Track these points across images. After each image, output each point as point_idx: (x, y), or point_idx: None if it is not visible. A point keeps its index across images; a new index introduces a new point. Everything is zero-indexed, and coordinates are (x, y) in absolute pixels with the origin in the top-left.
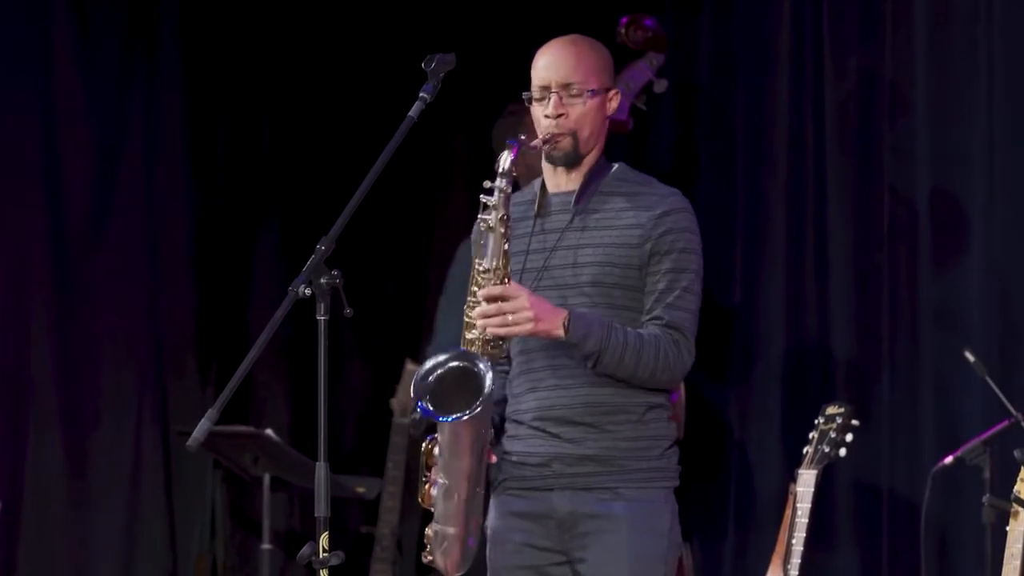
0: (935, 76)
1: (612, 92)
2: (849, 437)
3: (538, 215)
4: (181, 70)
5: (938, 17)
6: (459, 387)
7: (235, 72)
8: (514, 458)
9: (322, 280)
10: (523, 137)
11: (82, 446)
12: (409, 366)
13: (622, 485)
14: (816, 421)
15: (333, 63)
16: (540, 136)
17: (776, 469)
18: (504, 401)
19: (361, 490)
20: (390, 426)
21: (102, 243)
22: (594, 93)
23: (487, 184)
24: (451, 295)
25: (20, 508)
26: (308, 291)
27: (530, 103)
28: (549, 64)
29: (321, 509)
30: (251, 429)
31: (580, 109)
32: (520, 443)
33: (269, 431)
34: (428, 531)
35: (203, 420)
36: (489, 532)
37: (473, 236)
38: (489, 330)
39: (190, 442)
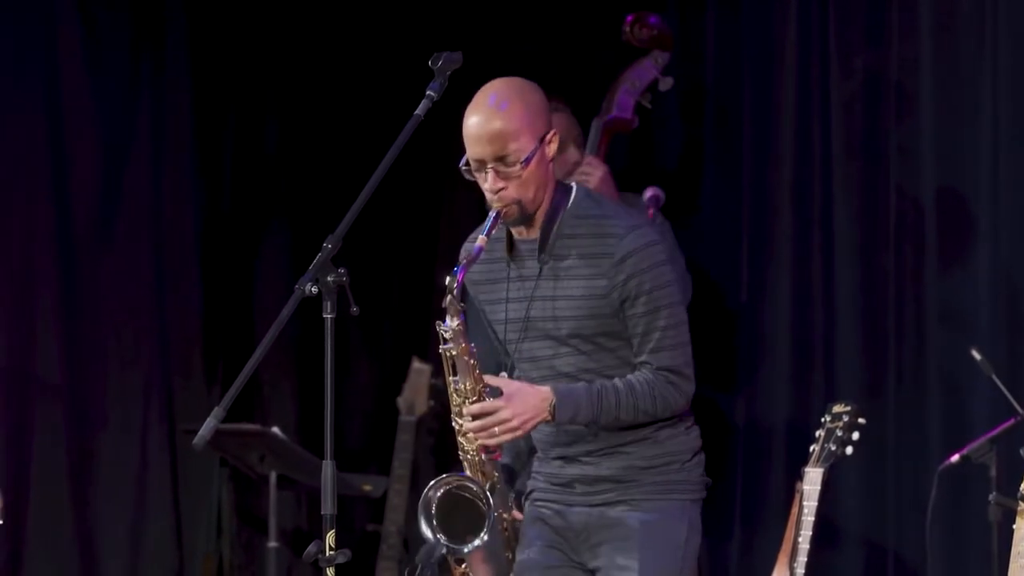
0: (941, 76)
1: (549, 135)
2: (855, 435)
3: (511, 259)
4: (188, 70)
5: (943, 17)
6: (463, 508)
7: (242, 72)
8: (540, 477)
9: (329, 278)
10: (463, 261)
11: (88, 445)
12: (416, 364)
13: (637, 497)
14: (823, 419)
15: (340, 62)
16: (488, 207)
17: (782, 467)
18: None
19: (368, 488)
20: (397, 424)
21: (109, 243)
22: (529, 159)
23: (438, 323)
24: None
25: (26, 507)
26: (315, 289)
27: (468, 172)
28: (478, 140)
29: (327, 507)
30: (257, 427)
31: (519, 178)
32: (546, 465)
33: (275, 429)
34: None
35: (209, 418)
36: (520, 526)
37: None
38: (482, 443)
39: (196, 440)
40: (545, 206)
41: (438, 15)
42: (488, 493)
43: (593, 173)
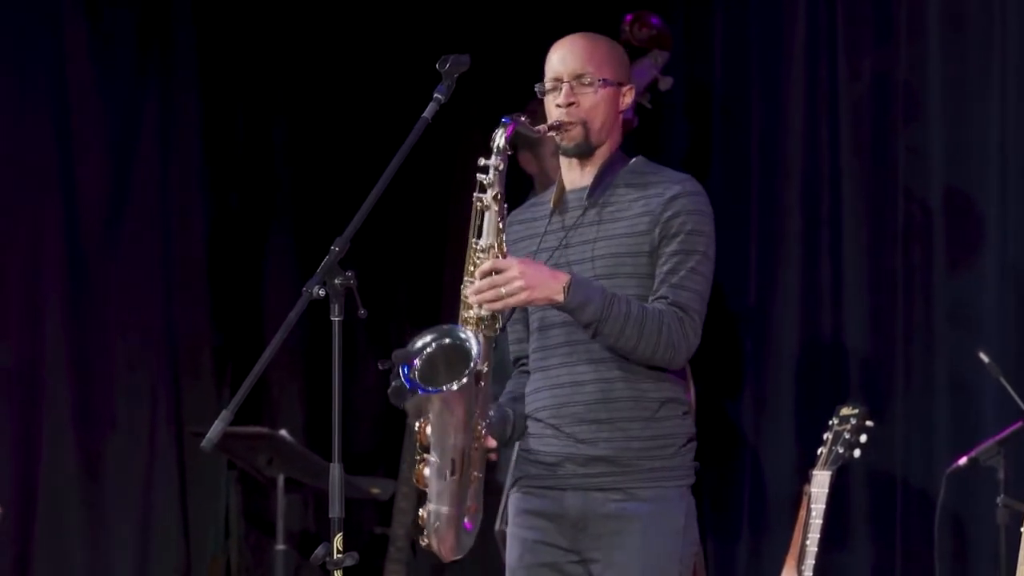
0: (949, 76)
1: (626, 88)
2: (863, 438)
3: (555, 212)
4: (196, 69)
5: (952, 18)
6: (449, 364)
7: (250, 71)
8: (529, 456)
9: (336, 281)
10: (521, 118)
11: (96, 447)
12: None
13: (635, 485)
14: (830, 422)
15: (348, 64)
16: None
17: (790, 470)
18: (522, 399)
19: (375, 491)
20: (404, 427)
21: (116, 243)
22: (606, 83)
23: (481, 161)
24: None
25: (34, 508)
26: (322, 292)
27: (543, 95)
28: (563, 56)
29: (335, 510)
30: (265, 430)
31: (592, 98)
32: (536, 440)
33: (283, 432)
34: (421, 512)
35: (217, 421)
36: (507, 530)
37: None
38: (485, 306)
39: (204, 443)
40: (605, 153)
41: (444, 17)
42: (476, 353)
43: None
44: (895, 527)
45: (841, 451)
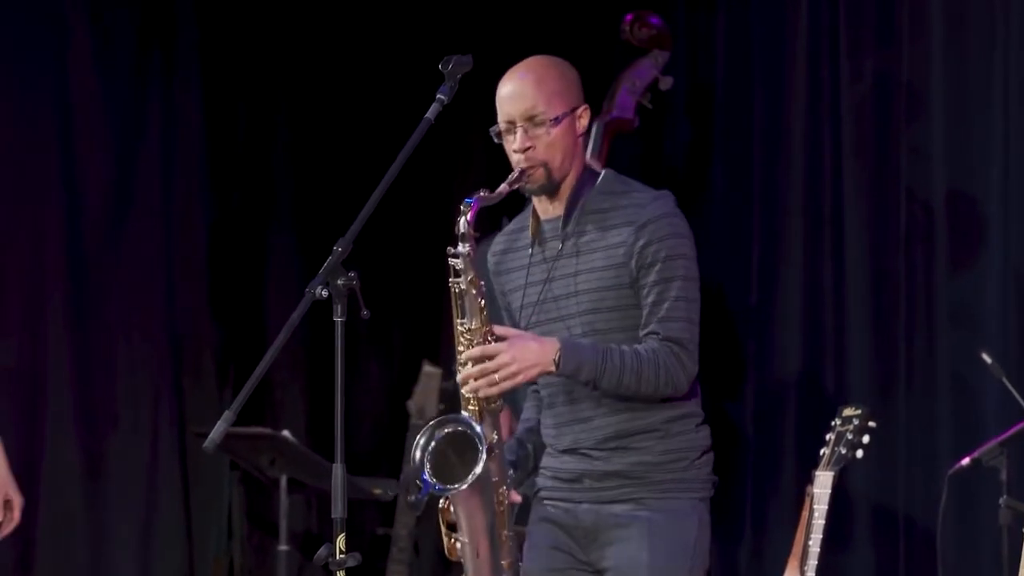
0: (951, 77)
1: (580, 110)
2: (866, 439)
3: (534, 243)
4: (198, 70)
5: (954, 18)
6: (459, 451)
7: (252, 71)
8: (549, 473)
9: (339, 281)
10: (482, 193)
11: (99, 447)
12: (426, 368)
13: (646, 496)
14: (833, 423)
15: (350, 65)
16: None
17: (792, 471)
18: (539, 426)
19: (378, 492)
20: (407, 428)
21: (118, 243)
22: (558, 120)
23: (450, 251)
24: None
25: (36, 508)
26: (325, 292)
27: (499, 138)
28: (511, 96)
29: (338, 510)
30: (268, 431)
31: (547, 138)
32: (554, 459)
33: (286, 432)
34: None
35: (220, 421)
36: (526, 531)
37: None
38: (481, 392)
39: (207, 443)
40: (572, 182)
41: (447, 17)
42: (482, 443)
43: None
44: (897, 528)
45: (843, 452)
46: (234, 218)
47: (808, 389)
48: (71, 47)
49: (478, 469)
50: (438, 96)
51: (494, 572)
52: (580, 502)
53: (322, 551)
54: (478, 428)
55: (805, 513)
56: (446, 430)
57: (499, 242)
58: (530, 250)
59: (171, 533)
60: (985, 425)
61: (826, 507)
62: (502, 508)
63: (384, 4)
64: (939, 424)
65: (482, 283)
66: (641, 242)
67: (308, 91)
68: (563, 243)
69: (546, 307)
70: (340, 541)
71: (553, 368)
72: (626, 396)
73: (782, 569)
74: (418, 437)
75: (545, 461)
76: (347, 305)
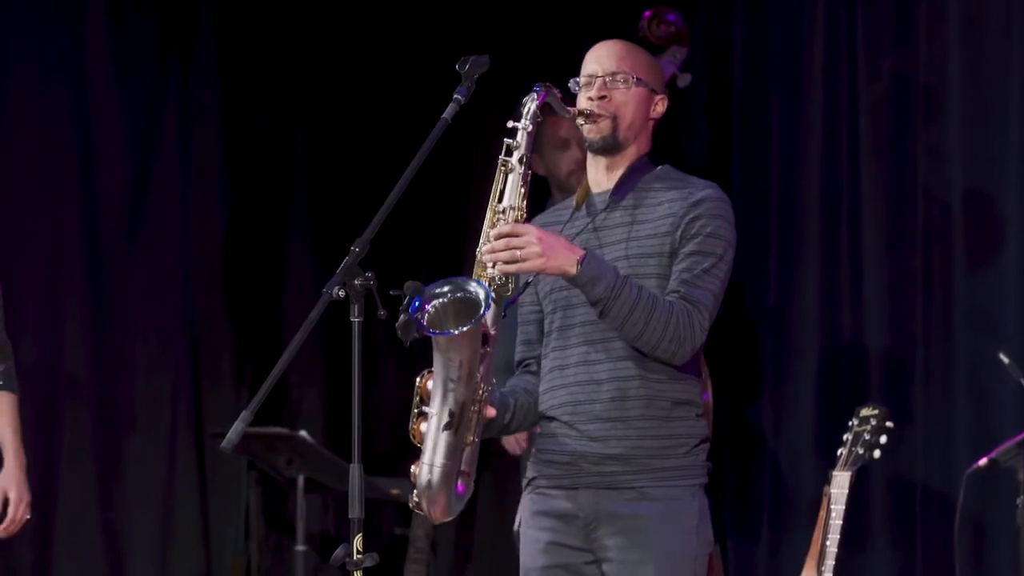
0: (968, 77)
1: (659, 96)
2: (883, 439)
3: (578, 211)
4: (216, 69)
5: (971, 19)
6: (459, 315)
7: (270, 72)
8: (543, 456)
9: (356, 282)
10: (554, 88)
11: (116, 448)
12: None
13: (647, 484)
14: (850, 423)
15: (367, 66)
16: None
17: (810, 471)
18: (525, 394)
19: (395, 492)
20: None
21: (136, 244)
22: (640, 81)
23: (510, 124)
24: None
25: (54, 510)
26: (342, 293)
27: (576, 91)
28: (599, 56)
29: (355, 511)
30: (285, 431)
31: (624, 95)
32: (550, 440)
33: (303, 433)
34: (413, 469)
35: (237, 422)
36: (519, 531)
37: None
38: (499, 267)
39: (224, 444)
40: (632, 155)
41: (464, 17)
42: (487, 303)
43: None
44: (915, 528)
45: (861, 452)
46: (252, 219)
47: (826, 389)
48: (89, 49)
49: (471, 324)
50: (455, 96)
51: (455, 454)
52: (578, 487)
53: (339, 551)
54: (485, 297)
55: (822, 513)
56: (457, 294)
57: (539, 218)
58: (572, 215)
59: (188, 533)
60: (1002, 425)
61: (843, 507)
62: (476, 406)
63: (402, 4)
64: (957, 424)
65: (530, 173)
66: (691, 215)
67: (326, 92)
68: (610, 211)
69: None
70: (357, 541)
71: (573, 270)
72: (627, 338)
73: (799, 569)
74: (435, 285)
75: (540, 443)
76: (364, 305)
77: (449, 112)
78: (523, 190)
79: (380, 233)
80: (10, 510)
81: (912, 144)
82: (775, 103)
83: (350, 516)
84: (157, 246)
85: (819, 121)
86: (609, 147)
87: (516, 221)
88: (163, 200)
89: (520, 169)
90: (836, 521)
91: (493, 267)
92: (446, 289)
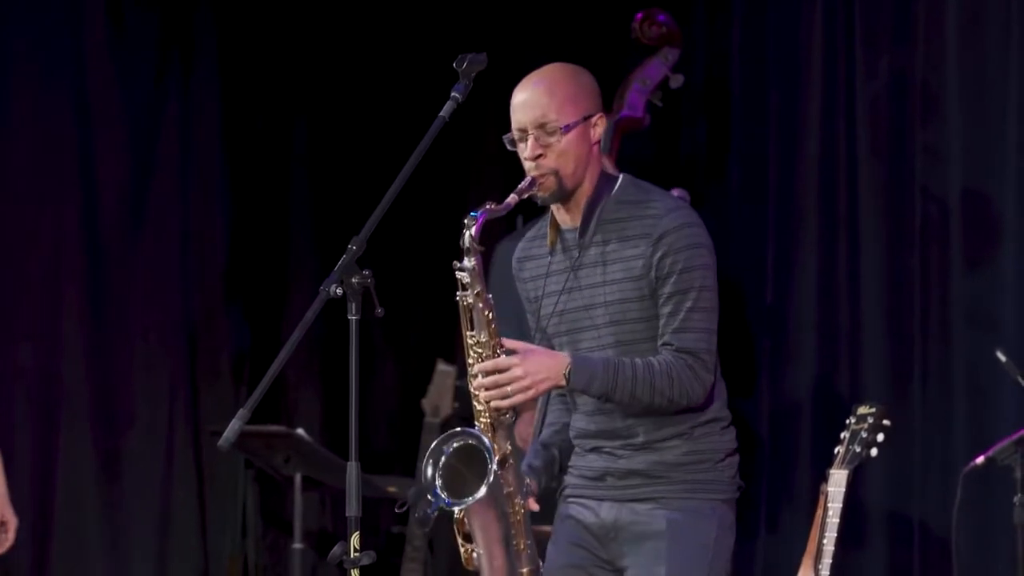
0: (967, 75)
1: (595, 117)
2: (880, 437)
3: (554, 252)
4: (216, 69)
5: (970, 17)
6: (470, 464)
7: (270, 71)
8: (574, 471)
9: (353, 280)
10: (488, 206)
11: (114, 446)
12: (440, 366)
13: (666, 495)
14: (847, 421)
15: (367, 64)
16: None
17: (807, 469)
18: (564, 429)
19: (393, 490)
20: (421, 426)
21: (136, 243)
22: (569, 127)
23: (456, 266)
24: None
25: (52, 508)
26: (339, 291)
27: (512, 145)
28: (523, 106)
29: (352, 509)
30: (283, 429)
31: (558, 147)
32: (579, 458)
33: (300, 431)
34: None
35: (234, 420)
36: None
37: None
38: (492, 403)
39: (221, 442)
40: (588, 190)
41: (462, 16)
42: (492, 456)
43: None
44: (912, 526)
45: (858, 450)
46: (251, 218)
47: (823, 387)
48: (90, 48)
49: (489, 481)
50: (452, 94)
51: (513, 571)
52: (603, 499)
53: (336, 549)
54: (487, 441)
55: (820, 511)
56: (455, 444)
57: (521, 248)
58: (549, 259)
59: (186, 531)
60: (1000, 423)
61: (840, 505)
62: (518, 518)
63: (400, 4)
64: (954, 422)
65: (489, 295)
66: (658, 254)
67: (325, 91)
68: (583, 252)
69: (571, 316)
70: (355, 539)
71: (564, 382)
72: (640, 410)
73: (796, 567)
74: (427, 453)
75: (572, 460)
76: (362, 303)
77: (447, 110)
78: (490, 316)
79: (378, 231)
80: (8, 533)
81: (910, 143)
82: (773, 102)
83: (347, 514)
84: (156, 245)
85: (817, 120)
86: (561, 197)
87: (495, 349)
88: (163, 199)
89: (480, 303)
90: (833, 519)
91: (488, 403)
92: (441, 449)
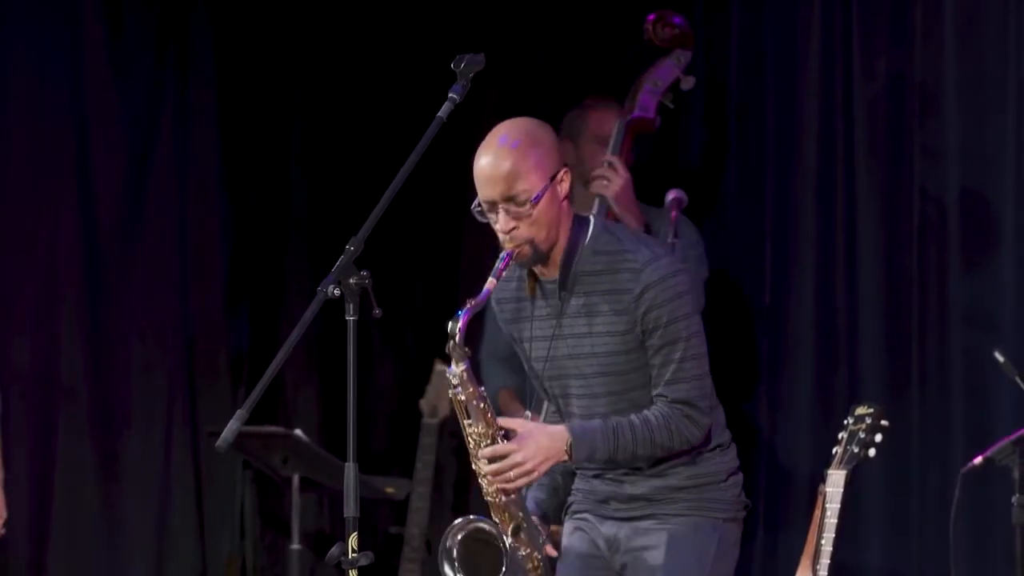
0: (965, 77)
1: (560, 174)
2: (878, 437)
3: (534, 297)
4: (214, 70)
5: (967, 18)
6: (483, 546)
7: (267, 71)
8: (579, 493)
9: (351, 280)
10: (470, 303)
11: (112, 447)
12: (438, 367)
13: (669, 513)
14: (845, 421)
15: (365, 64)
16: (502, 247)
17: (805, 469)
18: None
19: (390, 491)
20: (419, 427)
21: (133, 244)
22: (539, 197)
23: (446, 370)
24: (488, 347)
25: (50, 509)
26: (337, 291)
27: (483, 217)
28: (488, 180)
29: (350, 509)
30: (281, 429)
31: (530, 217)
32: (584, 483)
33: (298, 431)
34: None
35: (232, 420)
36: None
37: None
38: (499, 487)
39: (219, 442)
40: (562, 243)
41: (461, 16)
42: (503, 535)
43: (614, 180)
44: (910, 527)
45: (856, 450)
46: (248, 217)
47: (821, 388)
48: (87, 47)
49: (506, 559)
50: (450, 95)
51: None
52: (606, 518)
53: (334, 550)
54: (495, 529)
55: (817, 512)
56: (460, 536)
57: (501, 289)
58: (531, 303)
59: (184, 532)
60: (998, 424)
61: (838, 506)
62: (539, 572)
63: (398, 3)
64: (952, 423)
65: (482, 389)
66: (642, 309)
67: (323, 92)
68: (564, 304)
69: (559, 364)
70: (352, 540)
71: (566, 458)
72: (645, 461)
73: (795, 568)
74: (439, 554)
75: (577, 483)
76: (359, 304)
77: (444, 111)
78: (484, 407)
79: (376, 231)
80: None
81: (908, 143)
82: (771, 103)
83: (345, 515)
84: (154, 245)
85: (815, 121)
86: (539, 261)
87: (494, 437)
88: (160, 200)
89: (475, 400)
90: (831, 520)
91: (494, 488)
92: (455, 543)
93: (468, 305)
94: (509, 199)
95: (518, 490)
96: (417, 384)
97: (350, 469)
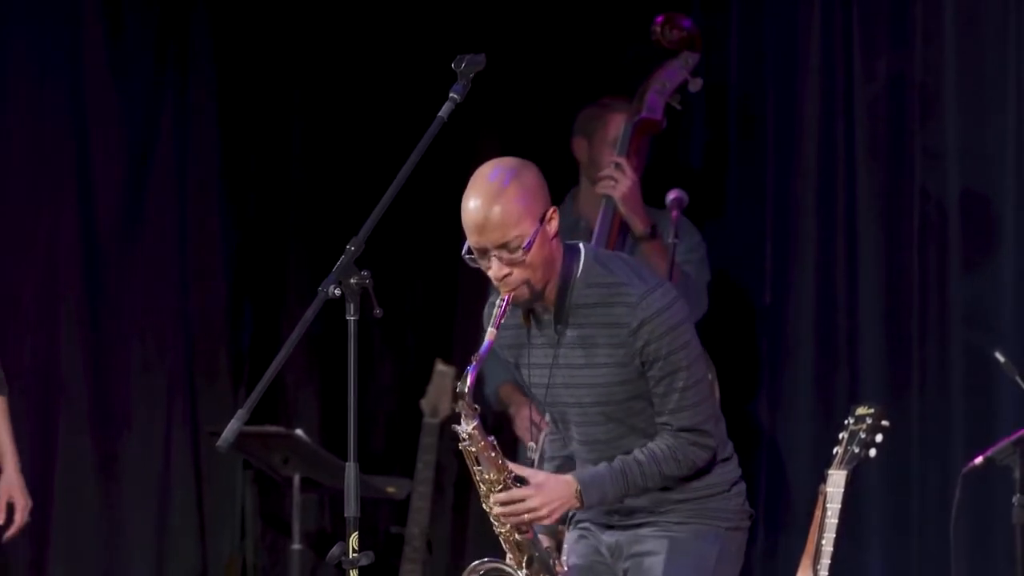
0: (965, 77)
1: (548, 214)
2: (879, 437)
3: (531, 325)
4: (214, 70)
5: (968, 18)
6: None
7: (267, 72)
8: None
9: (352, 280)
10: (474, 360)
11: (112, 447)
12: (439, 366)
13: (671, 521)
14: (846, 421)
15: (365, 64)
16: (499, 292)
17: (806, 469)
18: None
19: (391, 490)
20: (420, 426)
21: (133, 244)
22: (531, 242)
23: (455, 428)
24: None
25: (50, 509)
26: (338, 291)
27: (474, 263)
28: (478, 228)
29: (351, 509)
30: (281, 429)
31: (523, 262)
32: None
33: (299, 431)
34: None
35: (233, 420)
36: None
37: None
38: (510, 526)
39: (220, 442)
40: (556, 282)
41: (465, 16)
42: (516, 572)
43: (621, 181)
44: (911, 527)
45: (857, 451)
46: (249, 219)
47: (821, 388)
48: (87, 49)
49: None
50: (451, 95)
51: None
52: (608, 527)
53: (335, 550)
54: (512, 570)
55: (818, 512)
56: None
57: (488, 314)
58: (527, 330)
59: (184, 532)
60: (998, 424)
61: (839, 506)
62: None
63: (398, 3)
64: (952, 423)
65: (492, 439)
66: (640, 343)
67: (323, 92)
68: (561, 335)
69: (557, 392)
70: (353, 540)
71: (578, 504)
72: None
73: (795, 568)
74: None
75: None
76: (360, 304)
77: (445, 111)
78: (495, 456)
79: (376, 231)
80: (17, 516)
81: (908, 144)
82: (771, 103)
83: (346, 515)
84: (154, 245)
85: (815, 121)
86: (536, 300)
87: (506, 483)
88: (160, 200)
89: (485, 452)
90: (832, 520)
91: (509, 529)
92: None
93: (473, 362)
94: (502, 246)
95: (531, 527)
96: (417, 384)
97: (351, 469)
